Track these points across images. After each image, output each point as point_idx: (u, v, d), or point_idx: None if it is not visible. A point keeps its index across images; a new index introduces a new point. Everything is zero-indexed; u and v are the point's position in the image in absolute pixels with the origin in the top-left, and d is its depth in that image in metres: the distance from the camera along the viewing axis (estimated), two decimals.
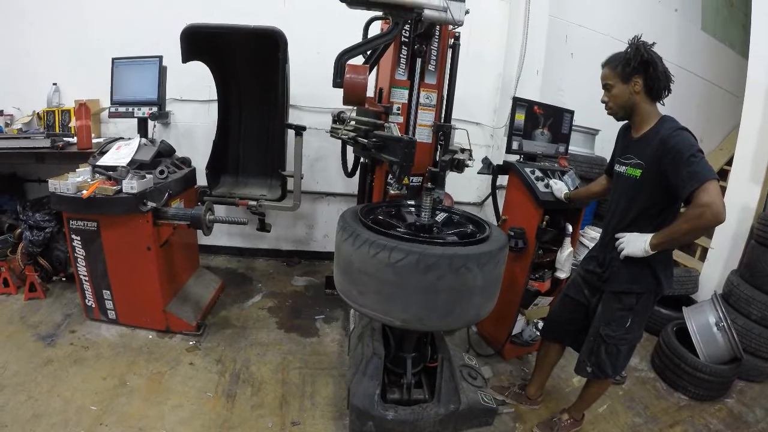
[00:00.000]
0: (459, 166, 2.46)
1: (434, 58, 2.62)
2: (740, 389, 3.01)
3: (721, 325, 2.87)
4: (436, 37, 2.58)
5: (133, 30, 3.61)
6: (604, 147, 4.30)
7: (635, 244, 1.85)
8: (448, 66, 2.68)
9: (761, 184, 3.34)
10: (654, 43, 1.84)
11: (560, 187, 2.59)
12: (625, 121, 2.05)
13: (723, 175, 5.00)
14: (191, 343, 2.86)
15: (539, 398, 2.61)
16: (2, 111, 3.68)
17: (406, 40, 2.59)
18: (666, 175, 1.74)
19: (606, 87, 1.94)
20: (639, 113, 1.90)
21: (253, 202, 3.38)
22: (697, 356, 2.88)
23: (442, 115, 2.74)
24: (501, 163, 2.93)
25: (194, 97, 3.84)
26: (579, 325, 2.26)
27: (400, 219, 2.12)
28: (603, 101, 1.98)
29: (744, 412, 2.79)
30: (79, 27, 3.67)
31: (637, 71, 1.82)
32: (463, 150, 2.54)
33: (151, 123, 3.36)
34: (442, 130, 2.55)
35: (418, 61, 2.48)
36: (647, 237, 1.82)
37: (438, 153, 2.67)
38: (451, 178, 2.62)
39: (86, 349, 2.69)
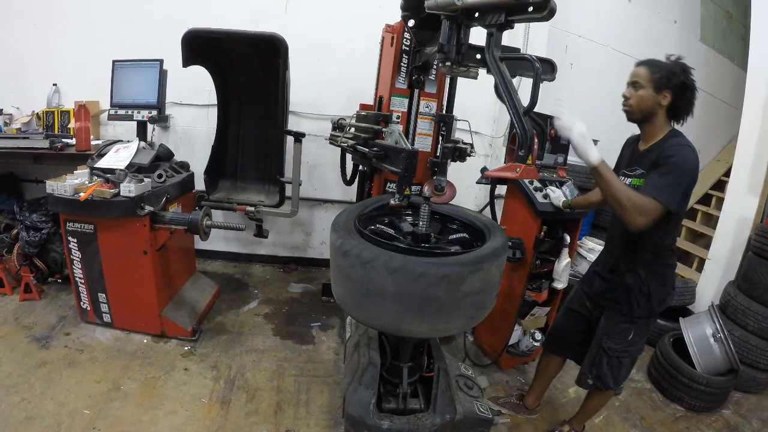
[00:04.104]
0: (461, 155, 2.44)
1: (435, 67, 2.62)
2: (737, 400, 3.00)
3: (718, 336, 2.87)
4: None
5: (135, 33, 3.61)
6: (603, 157, 4.30)
7: (576, 128, 1.85)
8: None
9: (759, 196, 3.35)
10: (693, 69, 1.83)
11: (558, 195, 2.59)
12: (631, 136, 2.06)
13: (721, 186, 5.03)
14: (186, 348, 2.85)
15: (537, 408, 2.61)
16: (1, 110, 3.68)
17: (407, 48, 2.60)
18: None
19: (634, 84, 1.86)
20: (653, 124, 1.88)
21: (251, 208, 3.37)
22: (693, 367, 2.88)
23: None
24: None
25: (194, 102, 3.84)
26: (581, 337, 2.25)
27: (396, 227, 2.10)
28: (624, 96, 1.90)
29: (740, 423, 2.79)
30: (80, 28, 3.68)
31: (673, 89, 1.79)
32: (464, 143, 2.53)
33: (150, 126, 3.35)
34: (444, 120, 2.53)
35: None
36: (595, 153, 1.80)
37: (440, 143, 2.63)
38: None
39: (80, 351, 2.68)
